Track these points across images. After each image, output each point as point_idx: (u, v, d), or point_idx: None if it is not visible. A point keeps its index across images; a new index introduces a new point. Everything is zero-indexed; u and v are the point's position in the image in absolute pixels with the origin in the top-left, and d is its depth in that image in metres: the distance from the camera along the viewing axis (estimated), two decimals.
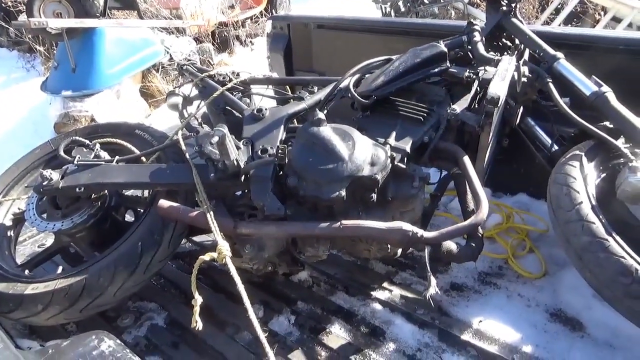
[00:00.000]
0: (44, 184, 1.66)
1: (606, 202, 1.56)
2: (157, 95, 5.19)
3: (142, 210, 1.87)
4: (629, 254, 1.35)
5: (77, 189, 1.67)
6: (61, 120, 4.49)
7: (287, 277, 1.97)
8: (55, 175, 1.68)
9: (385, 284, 1.90)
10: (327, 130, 1.56)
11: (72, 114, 4.48)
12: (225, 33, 6.37)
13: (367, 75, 1.94)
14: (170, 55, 5.40)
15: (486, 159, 1.79)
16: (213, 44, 6.10)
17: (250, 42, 6.67)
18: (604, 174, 1.65)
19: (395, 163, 1.55)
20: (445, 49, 1.83)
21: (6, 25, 6.09)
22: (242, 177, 1.58)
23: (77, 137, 1.90)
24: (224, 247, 1.42)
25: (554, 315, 1.71)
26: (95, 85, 4.54)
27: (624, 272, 1.32)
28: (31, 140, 3.58)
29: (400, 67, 1.80)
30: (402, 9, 5.73)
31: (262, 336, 1.24)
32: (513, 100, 1.91)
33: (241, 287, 1.34)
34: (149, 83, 5.22)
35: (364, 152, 1.52)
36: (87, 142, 1.85)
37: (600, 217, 1.44)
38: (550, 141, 1.97)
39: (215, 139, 1.44)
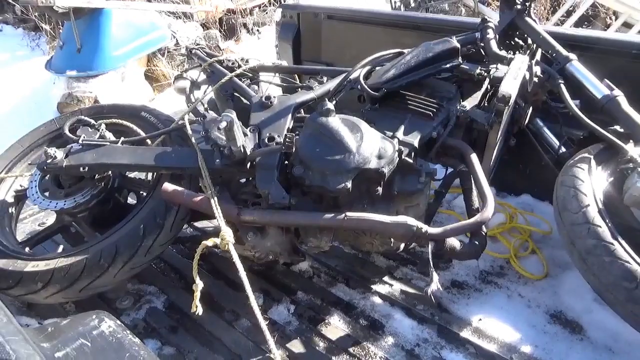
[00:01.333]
0: (48, 162, 1.65)
1: (613, 206, 1.55)
2: (161, 80, 5.16)
3: (144, 193, 1.86)
4: (633, 258, 1.34)
5: (81, 169, 1.66)
6: (64, 100, 4.48)
7: (288, 267, 1.96)
8: (59, 153, 1.66)
9: (385, 278, 1.89)
10: (335, 121, 1.55)
11: (76, 95, 4.46)
12: (233, 20, 6.30)
13: (377, 68, 1.92)
14: (177, 40, 5.36)
15: (493, 157, 1.78)
16: (220, 31, 6.05)
17: (258, 30, 6.60)
18: (612, 178, 1.64)
19: (403, 157, 1.54)
20: (458, 45, 1.81)
21: (12, 2, 6.04)
22: (248, 165, 1.57)
23: (83, 117, 1.89)
24: (228, 233, 1.41)
25: (554, 317, 1.70)
26: (100, 66, 4.52)
27: (628, 276, 1.32)
28: (33, 120, 3.52)
29: (411, 61, 1.79)
30: (412, 4, 5.69)
31: (264, 323, 1.23)
32: (523, 100, 1.89)
33: (243, 275, 1.33)
34: (154, 67, 5.18)
35: (371, 145, 1.51)
36: (93, 121, 1.84)
37: (607, 220, 1.43)
38: (558, 143, 1.96)
39: (223, 124, 1.43)
